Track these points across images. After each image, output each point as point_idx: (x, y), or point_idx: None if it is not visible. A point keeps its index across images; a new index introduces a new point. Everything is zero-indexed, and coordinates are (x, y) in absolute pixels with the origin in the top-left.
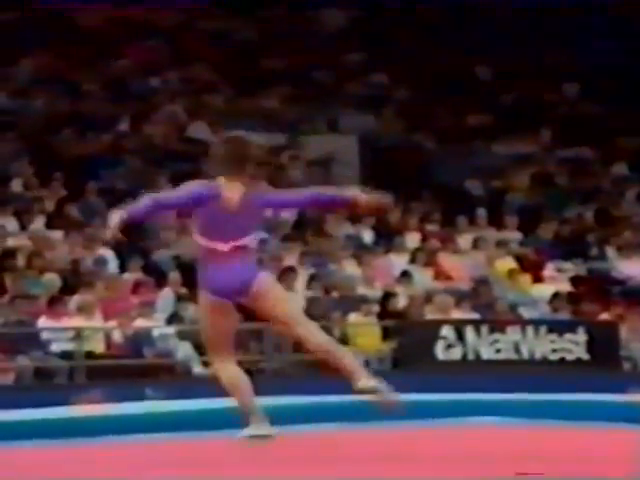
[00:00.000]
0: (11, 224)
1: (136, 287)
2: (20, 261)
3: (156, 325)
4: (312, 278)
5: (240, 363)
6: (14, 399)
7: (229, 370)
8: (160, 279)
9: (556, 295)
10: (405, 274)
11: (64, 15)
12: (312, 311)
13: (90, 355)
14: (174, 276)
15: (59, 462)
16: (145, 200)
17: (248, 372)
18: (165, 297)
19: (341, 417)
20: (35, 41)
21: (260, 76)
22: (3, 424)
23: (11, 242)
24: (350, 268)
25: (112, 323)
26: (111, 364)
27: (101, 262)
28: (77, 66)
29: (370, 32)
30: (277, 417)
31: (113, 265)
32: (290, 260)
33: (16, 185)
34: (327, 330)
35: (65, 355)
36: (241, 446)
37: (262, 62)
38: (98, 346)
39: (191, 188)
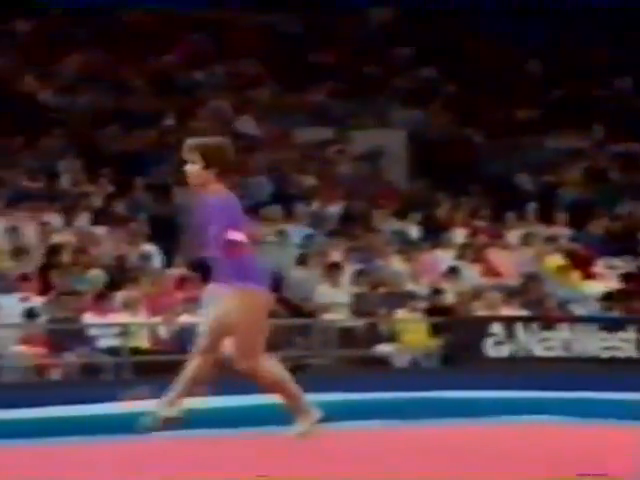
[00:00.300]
0: (56, 220)
1: (181, 283)
2: (65, 257)
3: (201, 321)
4: (358, 274)
5: (287, 359)
6: (62, 395)
7: (277, 367)
8: (205, 274)
9: (608, 295)
10: (453, 270)
11: (110, 11)
12: (358, 307)
13: (136, 351)
14: None
15: (105, 459)
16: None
17: (294, 368)
18: (210, 293)
19: (386, 414)
20: (81, 38)
21: (307, 70)
22: (51, 420)
23: (57, 238)
24: (397, 264)
25: (157, 319)
26: (156, 360)
27: (146, 258)
28: (123, 62)
29: (418, 26)
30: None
31: (158, 261)
32: (336, 255)
33: (64, 181)
34: (374, 327)
35: (111, 351)
36: (292, 442)
37: (309, 56)
38: (143, 342)
39: (229, 205)
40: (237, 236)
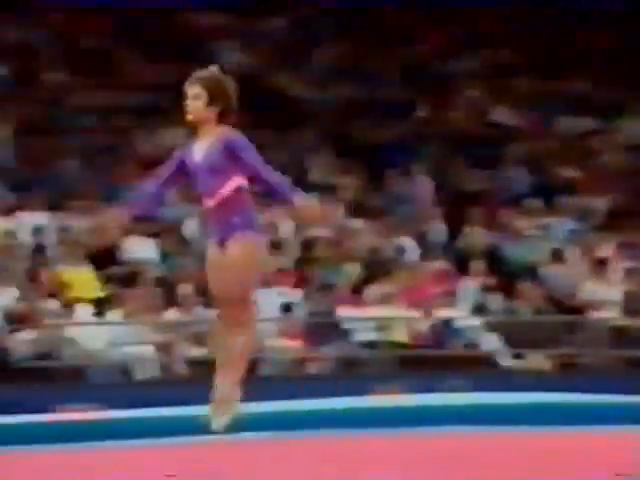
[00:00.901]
0: None
1: (438, 276)
2: (321, 251)
3: (460, 315)
4: (629, 271)
5: (554, 357)
6: (320, 388)
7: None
8: (463, 268)
9: None
10: None
11: (362, 5)
12: (630, 306)
13: (395, 345)
14: (477, 265)
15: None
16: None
17: (565, 366)
18: (468, 287)
19: None
20: (331, 31)
21: (569, 57)
22: (308, 412)
23: (312, 232)
24: None
25: (414, 313)
26: (415, 354)
27: (401, 250)
28: (374, 53)
29: None
30: (593, 416)
31: (414, 253)
32: (605, 251)
33: (315, 175)
34: None
35: (369, 345)
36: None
37: (571, 43)
38: (402, 336)
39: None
40: (243, 181)
